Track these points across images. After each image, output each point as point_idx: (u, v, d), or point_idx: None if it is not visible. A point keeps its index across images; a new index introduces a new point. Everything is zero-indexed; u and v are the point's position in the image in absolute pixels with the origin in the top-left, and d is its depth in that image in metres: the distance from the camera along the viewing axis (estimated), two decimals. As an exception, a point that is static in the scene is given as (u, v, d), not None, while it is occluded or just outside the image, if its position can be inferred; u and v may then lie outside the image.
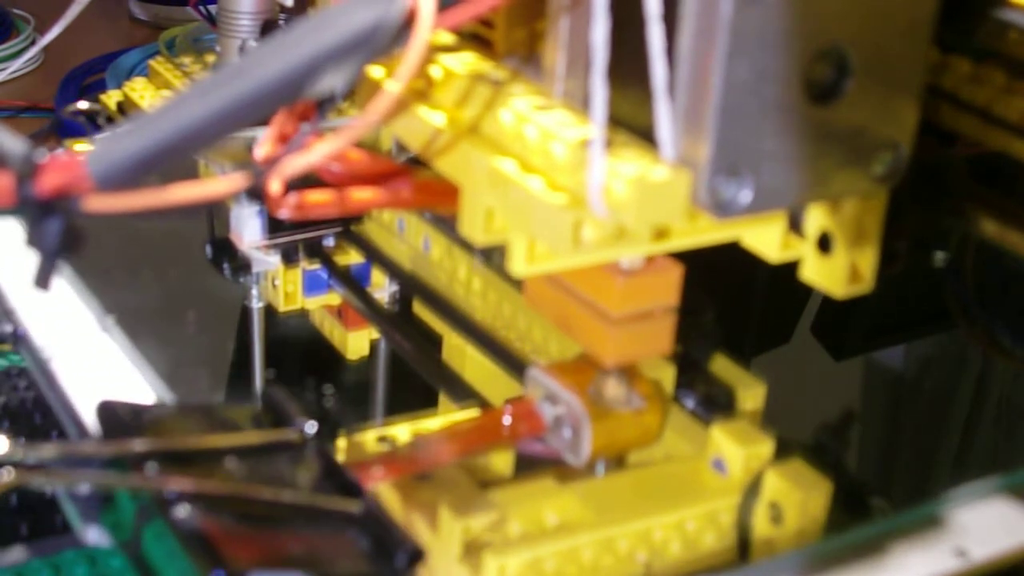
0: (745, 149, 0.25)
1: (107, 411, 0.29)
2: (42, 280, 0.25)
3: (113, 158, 0.24)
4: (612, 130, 0.26)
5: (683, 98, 0.25)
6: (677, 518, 0.30)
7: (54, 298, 0.38)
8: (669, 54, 0.24)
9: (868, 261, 0.28)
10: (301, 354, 0.44)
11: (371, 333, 0.43)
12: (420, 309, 0.42)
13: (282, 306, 0.43)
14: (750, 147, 0.25)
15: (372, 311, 0.42)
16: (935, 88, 0.31)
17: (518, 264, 0.27)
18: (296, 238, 0.42)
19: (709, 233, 0.28)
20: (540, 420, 0.31)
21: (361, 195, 0.28)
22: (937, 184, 0.29)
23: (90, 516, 0.29)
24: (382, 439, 0.32)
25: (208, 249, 0.43)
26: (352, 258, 0.43)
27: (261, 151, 0.28)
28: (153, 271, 0.45)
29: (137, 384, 0.35)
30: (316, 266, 0.43)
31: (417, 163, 0.29)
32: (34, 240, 0.24)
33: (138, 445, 0.27)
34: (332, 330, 0.43)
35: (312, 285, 0.43)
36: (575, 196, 0.25)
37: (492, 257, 0.40)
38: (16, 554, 0.29)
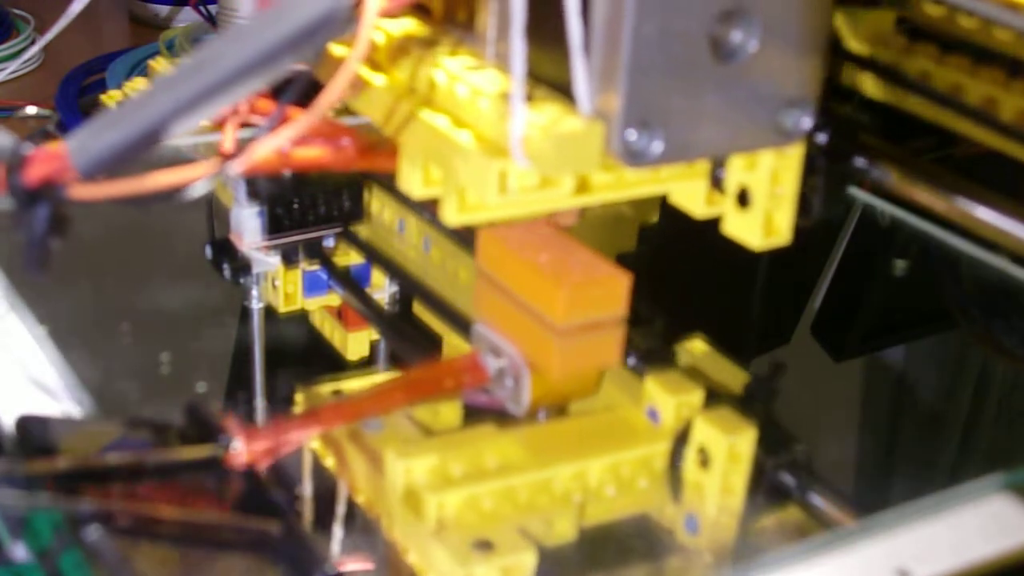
0: (655, 103, 0.27)
1: (26, 426, 0.29)
2: (32, 263, 0.27)
3: (92, 149, 0.26)
4: (535, 86, 0.28)
5: (597, 55, 0.27)
6: (611, 461, 0.32)
7: None
8: (585, 15, 0.26)
9: (785, 215, 0.30)
10: (301, 355, 0.46)
11: (371, 334, 0.42)
12: (420, 309, 0.42)
13: (282, 307, 0.43)
14: (659, 101, 0.27)
15: (372, 312, 0.42)
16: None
17: (450, 214, 0.29)
18: (296, 239, 0.42)
19: (633, 187, 0.30)
20: (484, 371, 0.33)
21: (306, 153, 0.30)
22: (848, 140, 0.31)
23: (15, 533, 0.28)
24: (336, 392, 0.34)
25: (208, 250, 0.43)
26: (352, 259, 0.44)
27: (227, 138, 0.30)
28: (93, 278, 0.44)
29: (61, 396, 0.34)
30: (316, 267, 0.43)
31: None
32: (24, 226, 0.26)
33: (57, 462, 0.27)
34: (332, 331, 0.43)
35: (312, 286, 0.43)
36: (501, 148, 0.27)
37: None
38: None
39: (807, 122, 0.28)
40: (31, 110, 0.66)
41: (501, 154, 0.27)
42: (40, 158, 0.26)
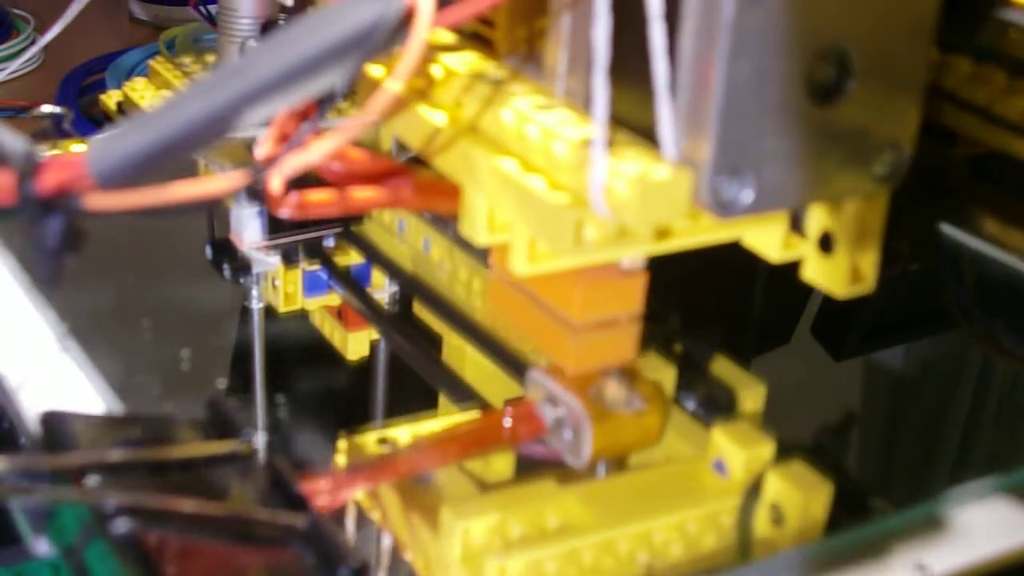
0: (747, 149, 0.25)
1: (52, 422, 0.29)
2: (43, 278, 0.25)
3: (113, 156, 0.24)
4: (614, 129, 0.26)
5: (685, 98, 0.25)
6: (678, 519, 0.30)
7: (7, 309, 0.37)
8: (671, 53, 0.24)
9: (870, 261, 0.28)
10: (301, 355, 0.45)
11: (371, 334, 0.42)
12: (420, 309, 0.42)
13: (282, 307, 0.43)
14: (752, 147, 0.25)
15: (372, 311, 0.42)
16: (935, 87, 0.31)
17: (519, 263, 0.27)
18: (296, 239, 0.42)
19: (711, 233, 0.28)
20: (540, 422, 0.31)
21: (362, 194, 0.27)
22: (938, 184, 0.29)
23: (39, 528, 0.28)
24: (382, 441, 0.32)
25: (208, 250, 0.43)
26: (352, 258, 0.43)
27: (261, 150, 0.28)
28: (119, 276, 0.44)
29: (86, 393, 0.34)
30: (316, 267, 0.42)
31: (418, 163, 0.29)
32: (35, 238, 0.24)
33: (82, 457, 0.27)
34: (332, 331, 0.43)
35: (312, 286, 0.43)
36: (577, 195, 0.25)
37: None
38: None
39: (903, 166, 0.26)
40: (46, 108, 0.64)
41: (578, 203, 0.25)
42: (56, 164, 0.24)
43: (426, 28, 0.24)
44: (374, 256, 0.43)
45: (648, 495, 0.31)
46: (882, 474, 0.38)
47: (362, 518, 0.31)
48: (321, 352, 0.43)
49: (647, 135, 0.26)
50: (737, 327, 0.41)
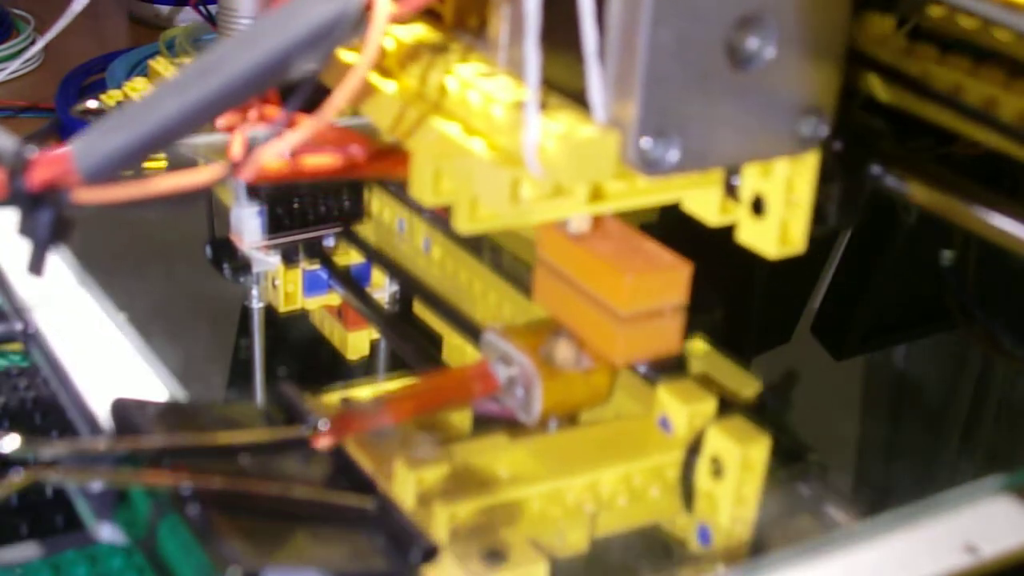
0: (671, 111, 0.26)
1: (120, 409, 0.30)
2: (35, 267, 0.27)
3: (98, 153, 0.26)
4: (549, 94, 0.27)
5: (612, 63, 0.26)
6: (623, 472, 0.32)
7: (63, 296, 0.38)
8: (600, 22, 0.26)
9: (800, 223, 0.30)
10: (301, 354, 0.45)
11: (371, 333, 0.43)
12: (420, 309, 0.42)
13: (282, 306, 0.43)
14: (676, 109, 0.26)
15: (372, 311, 0.42)
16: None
17: (462, 223, 0.28)
18: (296, 238, 0.42)
19: (647, 195, 0.30)
20: (494, 380, 0.33)
21: (316, 161, 0.29)
22: (865, 148, 0.31)
23: (103, 513, 0.29)
24: (345, 400, 0.34)
25: (208, 249, 0.44)
26: (352, 258, 0.44)
27: (236, 143, 0.29)
28: (159, 270, 0.45)
29: (147, 382, 0.35)
30: (316, 266, 0.43)
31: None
32: (27, 230, 0.26)
33: (151, 442, 0.27)
34: (332, 330, 0.44)
35: (312, 285, 0.43)
36: (513, 156, 0.27)
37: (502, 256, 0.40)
38: (17, 552, 0.29)
39: (824, 129, 0.28)
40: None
41: (514, 163, 0.27)
42: (44, 161, 0.26)
43: (384, 19, 0.26)
44: (374, 256, 0.43)
45: (595, 449, 0.32)
46: (882, 474, 0.39)
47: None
48: (321, 352, 0.44)
49: (580, 100, 0.27)
50: (737, 327, 0.42)
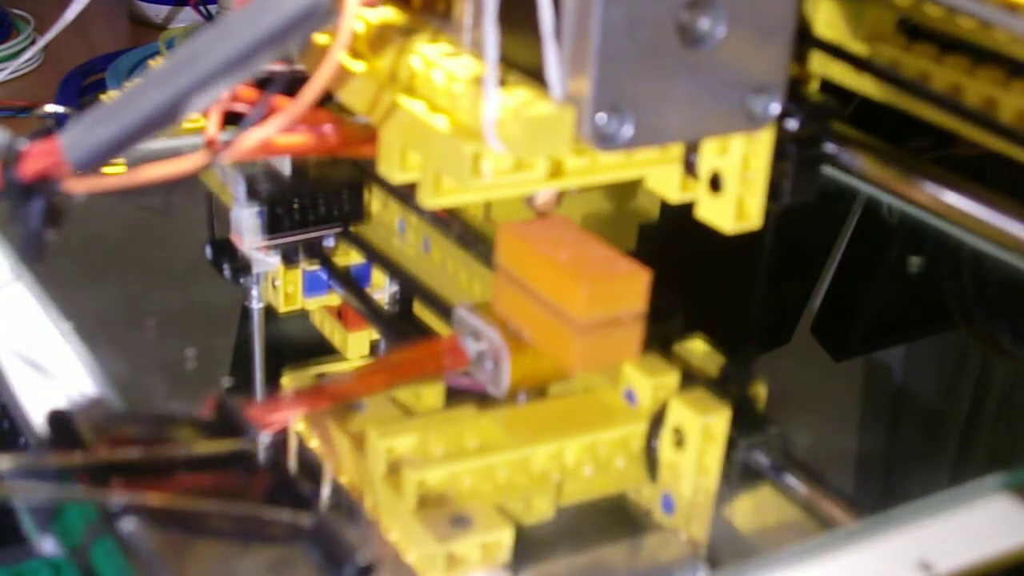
0: (624, 88, 0.27)
1: (59, 420, 0.30)
2: (28, 254, 0.28)
3: (86, 144, 0.27)
4: (508, 72, 0.29)
5: (568, 42, 0.27)
6: (589, 442, 0.33)
7: (11, 305, 0.38)
8: (556, 2, 0.27)
9: (756, 199, 0.31)
10: (301, 355, 0.46)
11: (371, 334, 0.42)
12: (420, 309, 0.42)
13: (282, 307, 0.43)
14: (629, 86, 0.28)
15: (372, 312, 0.42)
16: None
17: (427, 197, 0.29)
18: (296, 238, 0.42)
19: (607, 172, 0.31)
20: (464, 354, 0.34)
21: (288, 139, 0.30)
22: (818, 126, 0.32)
23: (44, 526, 0.29)
24: (320, 376, 0.35)
25: (208, 250, 0.44)
26: (352, 259, 0.44)
27: (212, 128, 0.30)
28: (117, 276, 0.44)
29: (89, 391, 0.34)
30: (316, 267, 0.43)
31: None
32: (19, 219, 0.27)
33: (89, 455, 0.27)
34: (332, 330, 0.43)
35: (312, 286, 0.43)
36: (474, 131, 0.28)
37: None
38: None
39: (775, 107, 0.29)
40: (49, 108, 0.66)
41: (475, 138, 0.28)
42: (35, 153, 0.27)
43: (356, 6, 0.27)
44: (374, 256, 0.43)
45: (562, 420, 0.33)
46: (882, 474, 0.39)
47: (302, 447, 0.34)
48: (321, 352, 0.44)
49: (539, 78, 0.28)
50: (737, 327, 0.42)
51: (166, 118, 0.27)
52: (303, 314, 0.43)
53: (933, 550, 0.29)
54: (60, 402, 0.32)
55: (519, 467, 0.32)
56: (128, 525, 0.26)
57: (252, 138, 0.28)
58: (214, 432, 0.30)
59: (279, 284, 0.42)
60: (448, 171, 0.28)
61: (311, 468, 0.33)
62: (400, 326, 0.42)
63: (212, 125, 0.30)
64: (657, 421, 0.33)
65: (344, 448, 0.33)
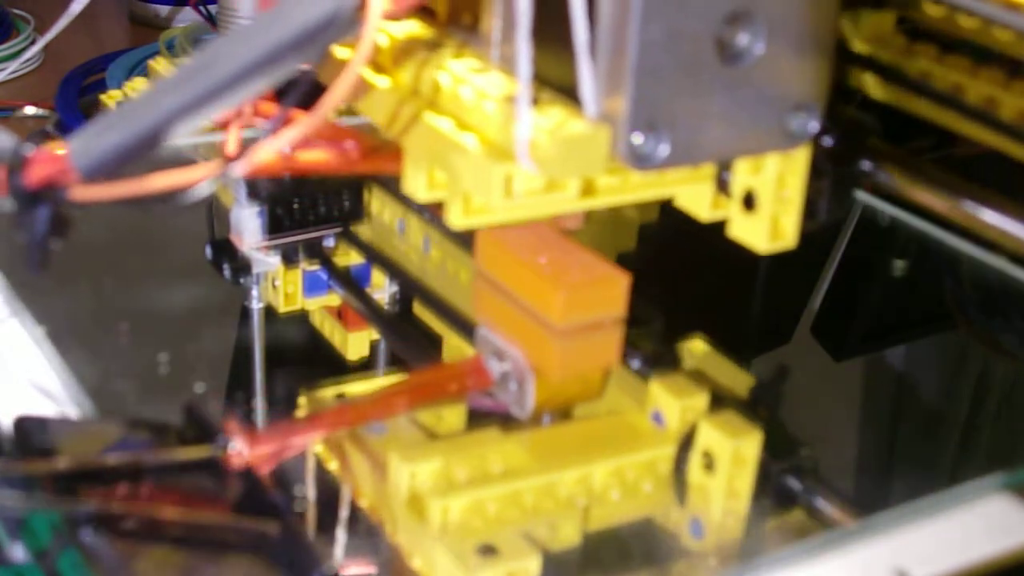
0: (661, 106, 0.27)
1: (24, 427, 0.29)
2: (34, 264, 0.27)
3: (94, 151, 0.26)
4: (540, 89, 0.28)
5: (603, 58, 0.27)
6: (616, 466, 0.32)
7: None
8: (591, 17, 0.26)
9: (791, 218, 0.30)
10: (301, 355, 0.46)
11: (371, 334, 0.42)
12: (420, 309, 0.42)
13: (282, 307, 0.43)
14: (666, 104, 0.27)
15: (372, 312, 0.42)
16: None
17: (455, 218, 0.29)
18: (296, 239, 0.42)
19: (640, 190, 0.30)
20: (488, 375, 0.33)
21: (310, 156, 0.29)
22: (855, 143, 0.31)
23: (14, 534, 0.28)
24: (339, 396, 0.34)
25: (208, 250, 0.43)
26: (352, 259, 0.44)
27: (231, 139, 0.29)
28: (91, 279, 0.43)
29: (59, 397, 0.33)
30: (316, 267, 0.43)
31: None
32: (25, 227, 0.26)
33: (55, 463, 0.27)
34: (332, 331, 0.43)
35: (312, 286, 0.43)
36: (505, 151, 0.27)
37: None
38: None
39: (814, 126, 0.28)
40: (29, 110, 0.66)
41: (506, 157, 0.27)
42: (41, 159, 0.26)
43: (378, 16, 0.26)
44: (374, 256, 0.43)
45: (588, 443, 0.33)
46: (882, 474, 0.39)
47: (320, 470, 0.33)
48: (321, 352, 0.44)
49: (572, 95, 0.27)
50: (737, 327, 0.42)
51: (179, 126, 0.26)
52: (303, 314, 0.43)
53: (930, 551, 0.29)
54: (29, 408, 0.31)
55: (545, 492, 0.31)
56: (92, 534, 0.26)
57: (266, 150, 0.27)
58: (185, 439, 0.30)
59: (279, 284, 0.42)
60: (479, 192, 0.28)
61: (329, 491, 0.32)
62: (400, 326, 0.42)
63: (231, 141, 0.29)
64: (686, 444, 0.32)
65: (364, 472, 0.32)
